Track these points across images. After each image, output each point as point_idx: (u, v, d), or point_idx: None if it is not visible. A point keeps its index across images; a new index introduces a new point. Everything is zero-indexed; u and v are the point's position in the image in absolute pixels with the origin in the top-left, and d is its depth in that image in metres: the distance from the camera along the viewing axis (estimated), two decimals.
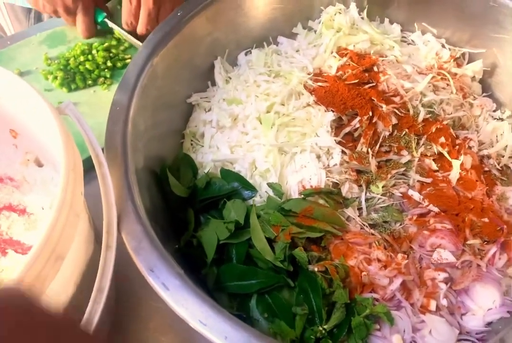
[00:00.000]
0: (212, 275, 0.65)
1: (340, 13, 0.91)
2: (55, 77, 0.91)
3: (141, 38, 0.95)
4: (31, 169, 0.72)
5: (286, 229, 0.68)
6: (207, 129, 0.80)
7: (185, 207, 0.72)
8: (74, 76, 0.92)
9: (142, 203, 0.61)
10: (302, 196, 0.74)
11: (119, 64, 0.95)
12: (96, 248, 0.62)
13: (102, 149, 0.63)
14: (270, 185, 0.73)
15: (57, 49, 0.97)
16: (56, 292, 0.55)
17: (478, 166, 0.85)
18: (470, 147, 0.86)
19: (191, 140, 0.81)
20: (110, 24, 0.97)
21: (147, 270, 0.55)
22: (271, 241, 0.67)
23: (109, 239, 0.56)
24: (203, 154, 0.78)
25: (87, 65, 0.92)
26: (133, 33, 0.97)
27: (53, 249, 0.47)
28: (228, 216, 0.69)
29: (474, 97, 0.90)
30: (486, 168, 0.86)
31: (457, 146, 0.84)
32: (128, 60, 0.96)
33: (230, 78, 0.85)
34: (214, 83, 0.86)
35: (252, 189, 0.74)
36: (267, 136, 0.77)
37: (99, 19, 0.97)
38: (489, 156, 0.88)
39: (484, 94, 0.92)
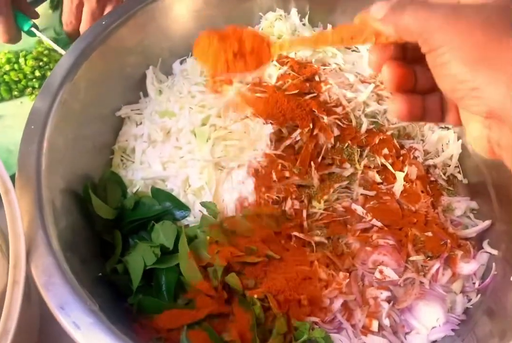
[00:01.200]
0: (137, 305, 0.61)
1: (280, 19, 0.88)
2: None
3: None
4: None
5: (222, 251, 0.64)
6: (138, 144, 0.75)
7: (112, 230, 0.67)
8: None
9: (57, 230, 0.56)
10: (241, 215, 0.70)
11: (49, 74, 0.88)
12: None
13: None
14: (203, 204, 0.69)
15: None
16: None
17: (423, 177, 0.83)
18: (415, 158, 0.84)
19: (121, 156, 0.76)
20: (38, 33, 0.90)
21: (57, 307, 0.50)
22: (204, 265, 0.64)
23: (16, 273, 0.51)
24: (133, 171, 0.73)
25: (12, 75, 0.86)
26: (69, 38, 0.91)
27: None
28: (156, 239, 0.65)
29: None
30: (432, 178, 0.84)
31: (402, 157, 0.82)
32: None
33: (163, 88, 0.81)
34: (146, 94, 0.81)
35: (185, 208, 0.70)
36: (202, 151, 0.73)
37: (25, 28, 0.90)
38: (435, 166, 0.86)
39: None
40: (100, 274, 0.63)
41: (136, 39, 0.76)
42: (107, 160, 0.76)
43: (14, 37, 0.89)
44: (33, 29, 0.88)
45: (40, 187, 0.57)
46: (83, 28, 0.88)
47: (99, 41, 0.70)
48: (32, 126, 0.61)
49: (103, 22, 0.72)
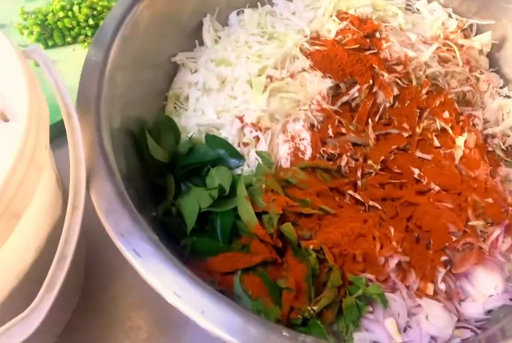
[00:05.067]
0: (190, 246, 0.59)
1: None
2: (31, 32, 0.84)
3: None
4: None
5: (277, 200, 0.62)
6: (192, 92, 0.73)
7: (165, 173, 0.65)
8: (51, 33, 0.85)
9: (117, 163, 0.54)
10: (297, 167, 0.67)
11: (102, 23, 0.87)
12: (64, 212, 0.55)
13: None
14: (259, 153, 0.67)
15: (35, 3, 0.89)
16: (14, 258, 0.49)
17: (482, 146, 0.79)
18: (474, 125, 0.81)
19: (175, 103, 0.74)
20: None
21: (117, 234, 0.48)
22: (258, 213, 0.61)
23: (75, 199, 0.49)
24: (186, 118, 0.71)
25: (66, 22, 0.84)
26: None
27: (8, 203, 0.41)
28: (211, 184, 0.62)
29: (481, 71, 0.84)
30: (490, 148, 0.81)
31: (461, 123, 0.79)
32: None
33: (220, 37, 0.78)
34: (202, 43, 0.79)
35: (239, 157, 0.67)
36: (258, 101, 0.70)
37: None
38: (493, 136, 0.82)
39: (491, 69, 0.86)
40: (154, 213, 0.61)
41: None
42: (160, 106, 0.74)
43: None
44: None
45: (100, 117, 0.55)
46: None
47: None
48: (93, 58, 0.59)
49: None
